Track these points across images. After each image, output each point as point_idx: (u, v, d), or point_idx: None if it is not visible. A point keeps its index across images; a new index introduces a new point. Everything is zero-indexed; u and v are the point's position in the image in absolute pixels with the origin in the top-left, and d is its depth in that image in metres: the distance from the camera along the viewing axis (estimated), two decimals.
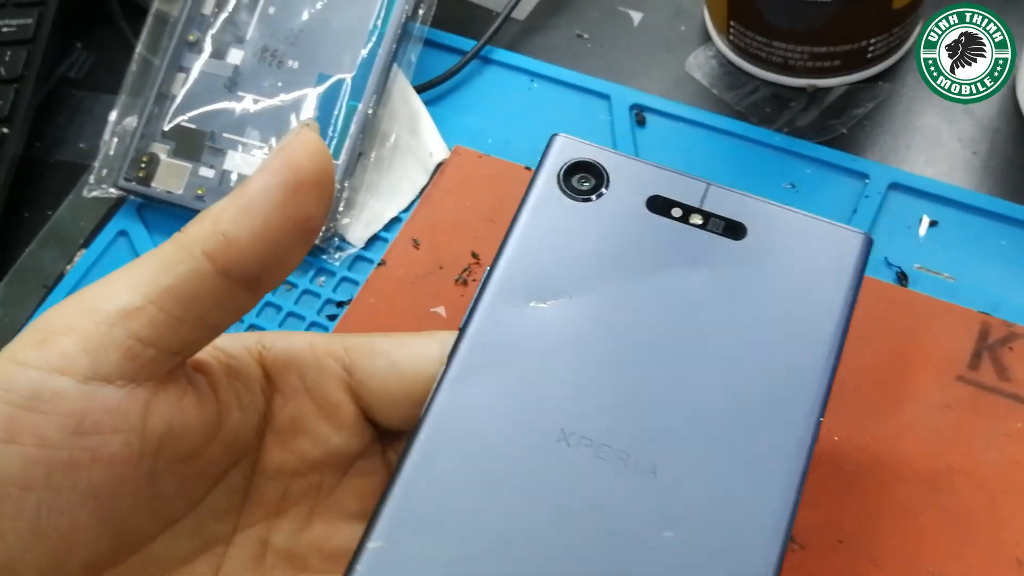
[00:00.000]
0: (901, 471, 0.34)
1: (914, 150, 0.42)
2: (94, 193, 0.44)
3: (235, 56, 0.45)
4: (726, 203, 0.27)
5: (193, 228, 0.23)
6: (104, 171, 0.45)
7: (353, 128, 0.43)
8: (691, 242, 0.27)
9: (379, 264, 0.41)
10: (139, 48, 0.46)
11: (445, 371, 0.25)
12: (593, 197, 0.27)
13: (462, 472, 0.24)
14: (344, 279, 0.42)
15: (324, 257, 0.42)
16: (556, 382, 0.25)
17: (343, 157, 0.43)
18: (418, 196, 0.43)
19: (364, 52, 0.44)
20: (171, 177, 0.44)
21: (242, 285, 0.23)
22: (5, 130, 0.46)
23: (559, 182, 0.28)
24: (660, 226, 0.27)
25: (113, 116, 0.46)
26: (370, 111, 0.43)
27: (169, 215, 0.45)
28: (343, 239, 0.43)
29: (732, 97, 0.45)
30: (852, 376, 0.36)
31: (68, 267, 0.44)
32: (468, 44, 0.47)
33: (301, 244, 0.23)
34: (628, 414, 0.24)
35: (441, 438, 0.24)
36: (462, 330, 0.26)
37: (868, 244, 0.26)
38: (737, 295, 0.26)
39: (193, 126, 0.44)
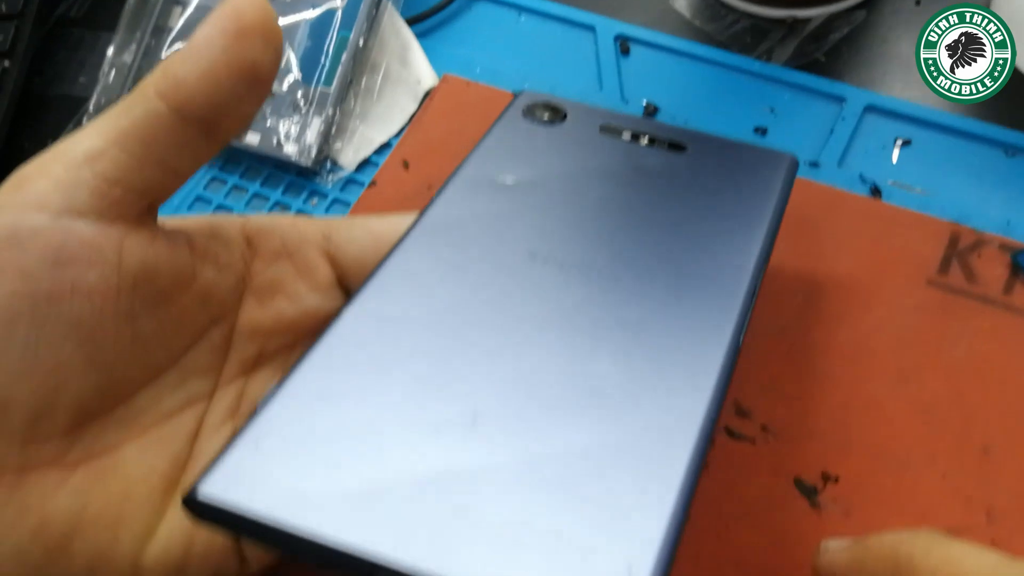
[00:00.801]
0: (872, 368, 0.35)
1: (889, 76, 0.44)
2: None
3: None
4: (669, 131, 0.31)
5: (147, 76, 0.25)
6: (103, 100, 0.46)
7: (344, 57, 0.44)
8: (639, 151, 0.31)
9: (370, 185, 0.42)
10: None
11: (416, 222, 0.27)
12: (552, 124, 0.32)
13: (435, 276, 0.26)
14: (336, 200, 0.43)
15: (317, 180, 0.43)
16: (522, 222, 0.27)
17: (335, 84, 0.44)
18: (408, 123, 0.45)
19: None
20: None
21: (197, 128, 0.25)
22: (6, 63, 0.47)
23: (523, 113, 0.32)
24: (612, 142, 0.31)
25: (111, 51, 0.47)
26: (361, 41, 0.44)
27: None
28: (335, 163, 0.44)
29: (713, 28, 0.46)
30: (827, 283, 0.37)
31: None
32: None
33: (250, 91, 0.25)
34: (589, 246, 0.27)
35: (415, 252, 0.26)
36: (436, 195, 0.28)
37: (795, 163, 0.31)
38: (680, 190, 0.29)
39: None
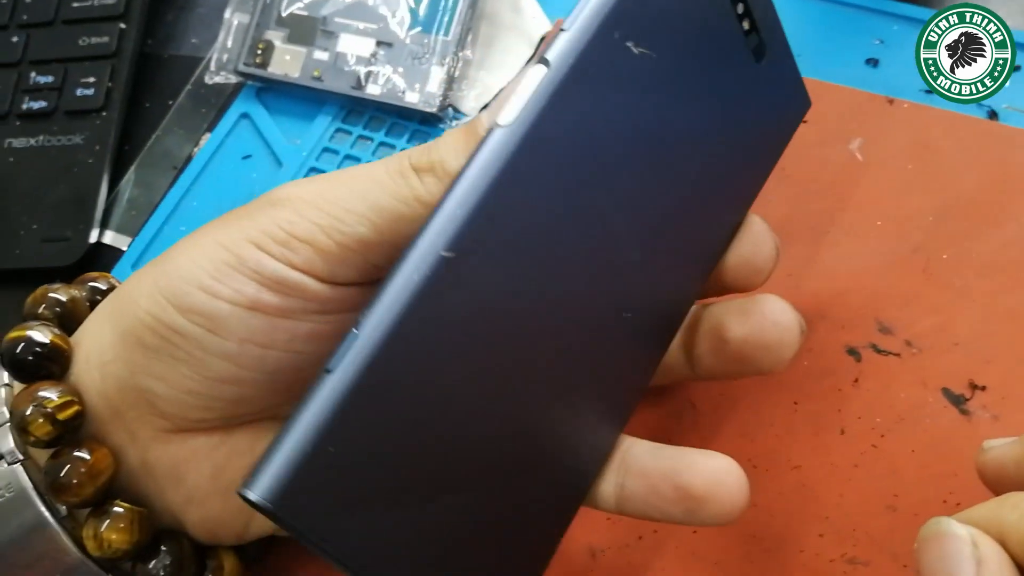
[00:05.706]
0: (1007, 282, 0.36)
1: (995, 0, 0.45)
2: (215, 79, 0.47)
3: None
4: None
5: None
6: (224, 57, 0.47)
7: (461, 6, 0.45)
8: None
9: None
10: None
11: None
12: None
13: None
14: None
15: (440, 127, 0.45)
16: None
17: (453, 32, 0.45)
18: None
19: None
20: (287, 61, 0.46)
21: None
22: (123, 25, 0.49)
23: None
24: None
25: (228, 13, 0.48)
26: None
27: (287, 96, 0.47)
28: (456, 109, 0.45)
29: None
30: (955, 202, 0.38)
31: (195, 149, 0.47)
32: None
33: None
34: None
35: None
36: None
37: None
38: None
39: (305, 13, 0.47)
